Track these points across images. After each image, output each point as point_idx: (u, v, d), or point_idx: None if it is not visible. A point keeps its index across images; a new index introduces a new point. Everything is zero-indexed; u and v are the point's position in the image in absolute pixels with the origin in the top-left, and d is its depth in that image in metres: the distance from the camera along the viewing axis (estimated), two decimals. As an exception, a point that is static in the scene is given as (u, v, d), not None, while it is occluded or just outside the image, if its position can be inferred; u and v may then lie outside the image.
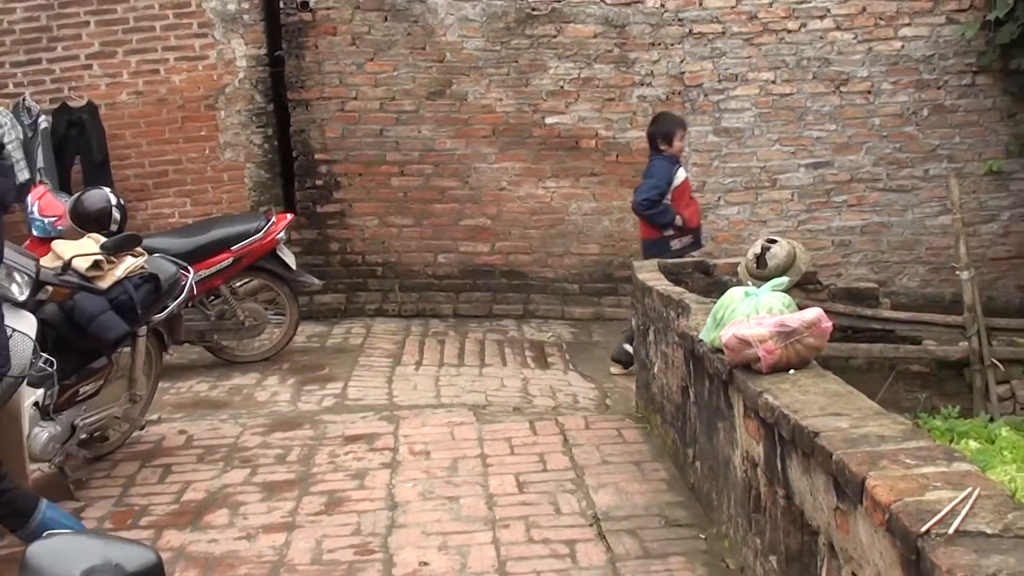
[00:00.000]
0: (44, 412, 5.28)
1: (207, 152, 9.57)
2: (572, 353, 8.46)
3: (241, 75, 9.48)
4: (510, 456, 5.93)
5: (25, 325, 4.78)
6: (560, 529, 4.97)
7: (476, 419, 6.57)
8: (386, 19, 9.40)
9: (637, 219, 8.09)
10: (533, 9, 9.36)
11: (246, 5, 9.36)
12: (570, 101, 9.47)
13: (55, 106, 9.26)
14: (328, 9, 9.39)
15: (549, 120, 9.49)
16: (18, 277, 4.85)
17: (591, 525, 4.99)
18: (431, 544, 4.84)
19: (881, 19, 9.53)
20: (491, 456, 5.92)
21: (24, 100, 9.14)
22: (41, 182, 8.60)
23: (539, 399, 7.16)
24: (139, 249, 5.83)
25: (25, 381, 4.87)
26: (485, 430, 6.34)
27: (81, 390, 5.71)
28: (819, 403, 3.50)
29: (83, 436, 5.69)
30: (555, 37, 9.41)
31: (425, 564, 4.63)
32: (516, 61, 9.42)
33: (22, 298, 4.84)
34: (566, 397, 7.25)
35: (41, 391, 5.17)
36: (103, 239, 5.81)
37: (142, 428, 6.31)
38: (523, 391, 7.36)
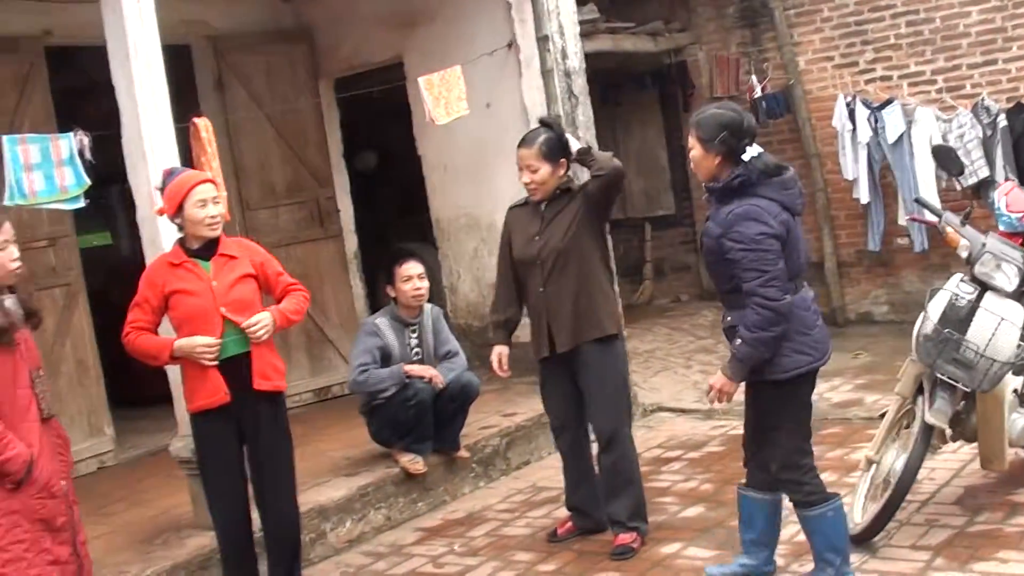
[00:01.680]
0: (1023, 399, 5.45)
1: None
2: None
3: None
4: None
5: (1012, 314, 4.91)
6: None
7: None
8: None
9: None
10: None
11: None
12: None
13: (1010, 105, 9.43)
14: None
15: None
16: (1007, 268, 5.00)
17: None
18: None
19: None
20: None
21: (982, 100, 9.47)
22: (1007, 179, 8.81)
23: None
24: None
25: (1011, 369, 5.09)
26: None
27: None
28: None
29: None
30: None
31: None
32: None
33: (1010, 288, 4.97)
34: None
35: (1021, 379, 5.30)
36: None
37: None
38: None
